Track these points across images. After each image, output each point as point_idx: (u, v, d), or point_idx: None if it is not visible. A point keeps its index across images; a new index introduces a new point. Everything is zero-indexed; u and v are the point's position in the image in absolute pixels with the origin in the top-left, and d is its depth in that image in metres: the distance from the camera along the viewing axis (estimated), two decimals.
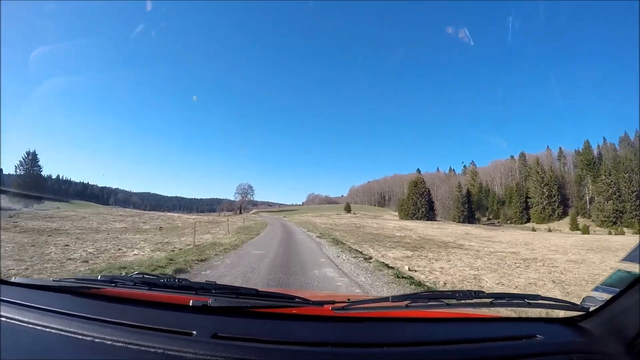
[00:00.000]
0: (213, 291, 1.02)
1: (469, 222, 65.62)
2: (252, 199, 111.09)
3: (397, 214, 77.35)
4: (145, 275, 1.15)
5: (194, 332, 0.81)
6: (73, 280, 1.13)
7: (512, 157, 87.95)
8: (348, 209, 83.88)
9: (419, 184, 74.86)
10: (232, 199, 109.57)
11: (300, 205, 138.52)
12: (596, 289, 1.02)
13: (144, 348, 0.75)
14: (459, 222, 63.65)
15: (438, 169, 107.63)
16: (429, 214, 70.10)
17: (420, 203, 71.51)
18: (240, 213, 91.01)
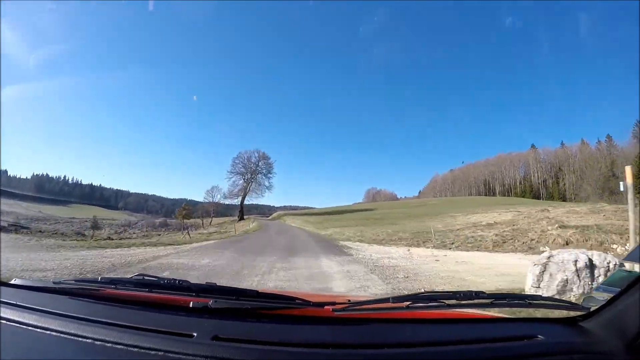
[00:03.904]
0: (213, 293, 1.01)
1: None
2: (267, 183, 52.45)
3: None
4: (145, 277, 1.15)
5: (195, 334, 0.81)
6: (73, 281, 1.13)
7: None
8: None
9: None
10: (228, 188, 51.05)
11: (355, 204, 73.84)
12: (597, 289, 1.02)
13: (144, 350, 0.75)
14: None
15: (583, 140, 67.39)
16: None
17: None
18: (241, 219, 45.47)
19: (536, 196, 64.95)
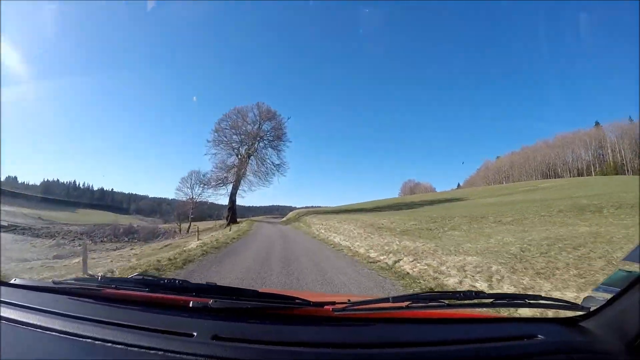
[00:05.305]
0: (213, 292, 1.02)
1: None
2: (276, 158, 29.55)
3: None
4: (145, 277, 1.15)
5: (195, 334, 0.81)
6: (73, 281, 1.13)
7: None
8: None
9: None
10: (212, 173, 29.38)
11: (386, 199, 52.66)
12: (597, 289, 1.02)
13: (144, 349, 0.75)
14: None
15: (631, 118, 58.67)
16: None
17: None
18: (234, 221, 25.82)
19: None
